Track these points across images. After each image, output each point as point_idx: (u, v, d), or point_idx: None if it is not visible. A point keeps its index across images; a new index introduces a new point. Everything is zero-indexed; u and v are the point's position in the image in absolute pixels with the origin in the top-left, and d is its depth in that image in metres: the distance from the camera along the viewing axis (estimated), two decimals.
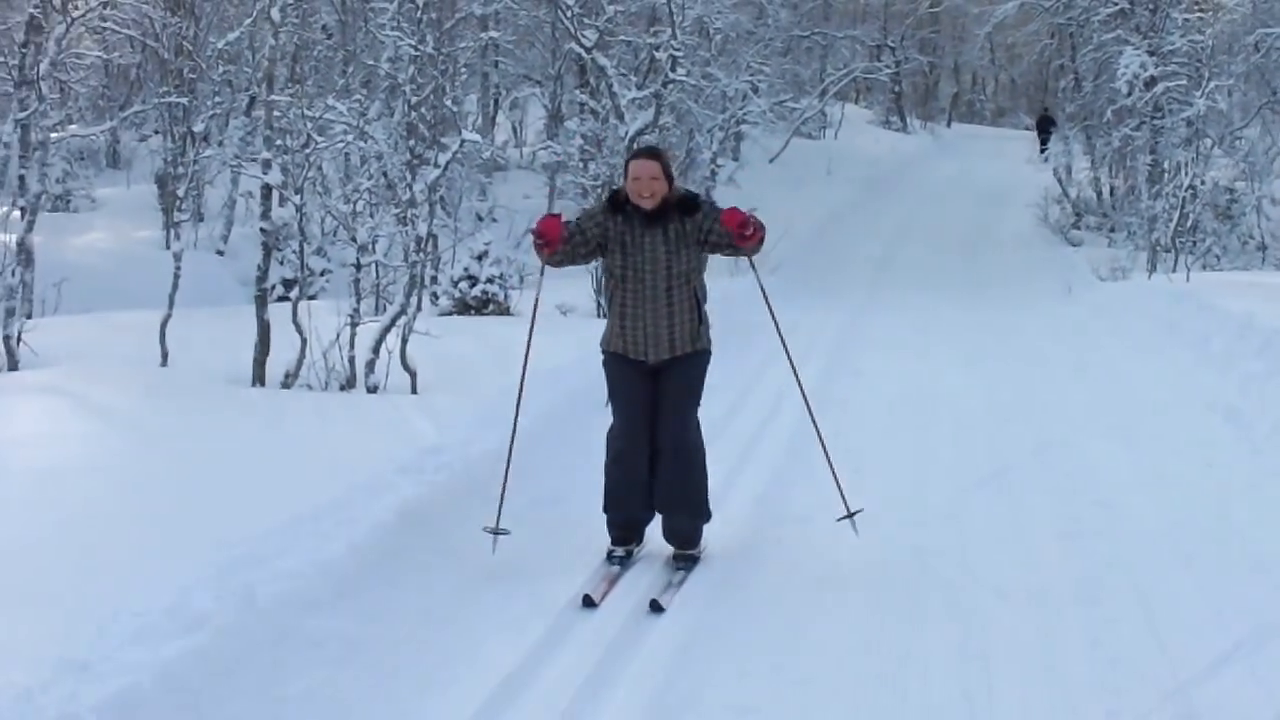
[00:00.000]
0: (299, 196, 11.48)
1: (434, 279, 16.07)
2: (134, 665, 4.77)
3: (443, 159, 12.79)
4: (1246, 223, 23.17)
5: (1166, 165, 23.62)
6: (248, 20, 13.86)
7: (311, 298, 11.79)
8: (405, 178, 12.53)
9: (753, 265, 7.00)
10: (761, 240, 6.51)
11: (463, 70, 25.15)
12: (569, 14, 21.92)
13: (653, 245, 6.49)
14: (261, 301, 11.11)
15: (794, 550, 7.12)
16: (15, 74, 13.08)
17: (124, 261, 18.98)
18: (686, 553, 6.73)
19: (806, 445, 8.10)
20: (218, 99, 22.31)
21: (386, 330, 10.78)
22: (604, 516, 6.77)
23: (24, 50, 12.92)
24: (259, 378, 10.78)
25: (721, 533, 7.11)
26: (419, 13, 14.67)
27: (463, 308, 16.06)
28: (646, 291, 6.52)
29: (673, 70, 22.26)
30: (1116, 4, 27.93)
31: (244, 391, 10.39)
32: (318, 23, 26.82)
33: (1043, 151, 37.18)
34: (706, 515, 6.83)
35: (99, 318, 14.16)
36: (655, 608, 6.08)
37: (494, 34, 26.60)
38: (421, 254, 11.88)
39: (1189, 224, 21.43)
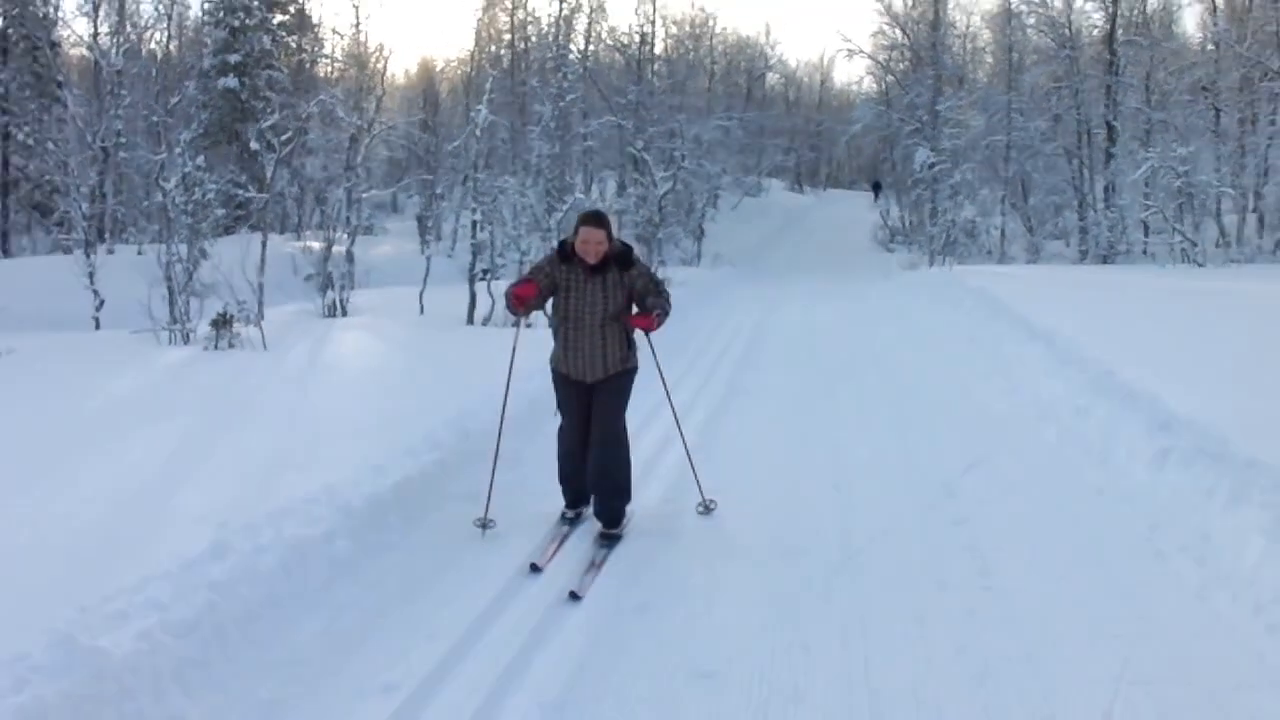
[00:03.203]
0: (490, 227, 11.53)
1: None
2: (407, 468, 4.75)
3: (563, 208, 12.74)
4: (982, 240, 22.87)
5: (939, 209, 23.26)
6: (463, 135, 13.73)
7: (497, 279, 11.76)
8: (545, 218, 12.54)
9: (649, 342, 4.84)
10: (662, 320, 4.54)
11: (574, 162, 24.99)
12: (629, 133, 21.88)
13: (592, 292, 4.54)
14: (471, 281, 11.14)
15: (720, 437, 6.97)
16: (344, 162, 13.19)
17: (399, 262, 18.94)
18: (611, 531, 4.52)
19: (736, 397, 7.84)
20: (448, 177, 22.27)
21: None
22: (559, 487, 4.84)
23: (349, 150, 12.99)
24: (470, 320, 10.76)
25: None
26: (552, 132, 14.64)
27: None
28: (585, 329, 4.59)
29: (682, 161, 22.21)
30: (914, 125, 27.48)
31: (462, 328, 10.37)
32: (499, 135, 26.63)
33: (875, 202, 36.49)
34: (627, 497, 4.65)
35: (386, 290, 14.19)
36: (574, 597, 3.83)
37: (590, 143, 26.37)
38: None
39: (951, 240, 21.13)
